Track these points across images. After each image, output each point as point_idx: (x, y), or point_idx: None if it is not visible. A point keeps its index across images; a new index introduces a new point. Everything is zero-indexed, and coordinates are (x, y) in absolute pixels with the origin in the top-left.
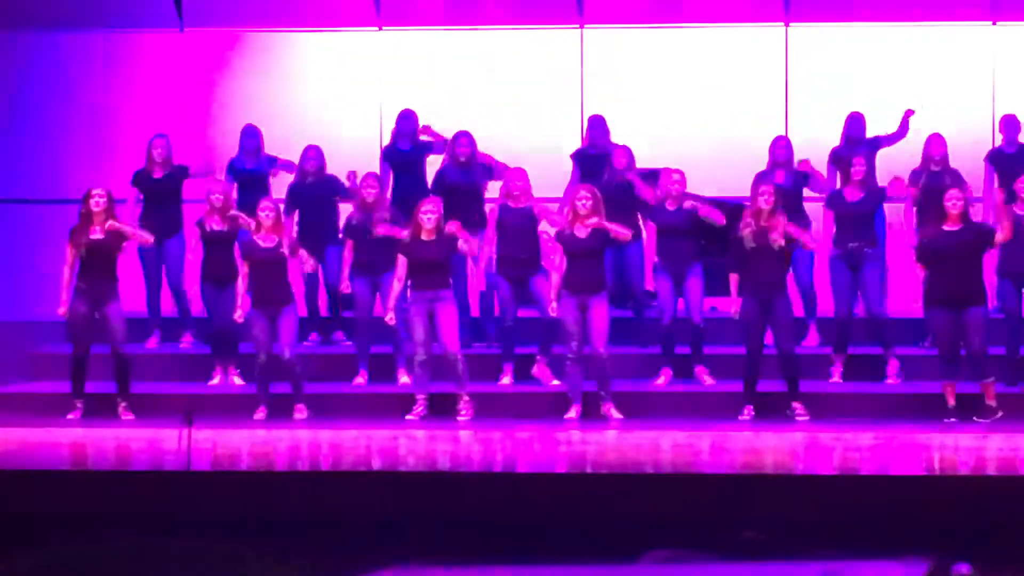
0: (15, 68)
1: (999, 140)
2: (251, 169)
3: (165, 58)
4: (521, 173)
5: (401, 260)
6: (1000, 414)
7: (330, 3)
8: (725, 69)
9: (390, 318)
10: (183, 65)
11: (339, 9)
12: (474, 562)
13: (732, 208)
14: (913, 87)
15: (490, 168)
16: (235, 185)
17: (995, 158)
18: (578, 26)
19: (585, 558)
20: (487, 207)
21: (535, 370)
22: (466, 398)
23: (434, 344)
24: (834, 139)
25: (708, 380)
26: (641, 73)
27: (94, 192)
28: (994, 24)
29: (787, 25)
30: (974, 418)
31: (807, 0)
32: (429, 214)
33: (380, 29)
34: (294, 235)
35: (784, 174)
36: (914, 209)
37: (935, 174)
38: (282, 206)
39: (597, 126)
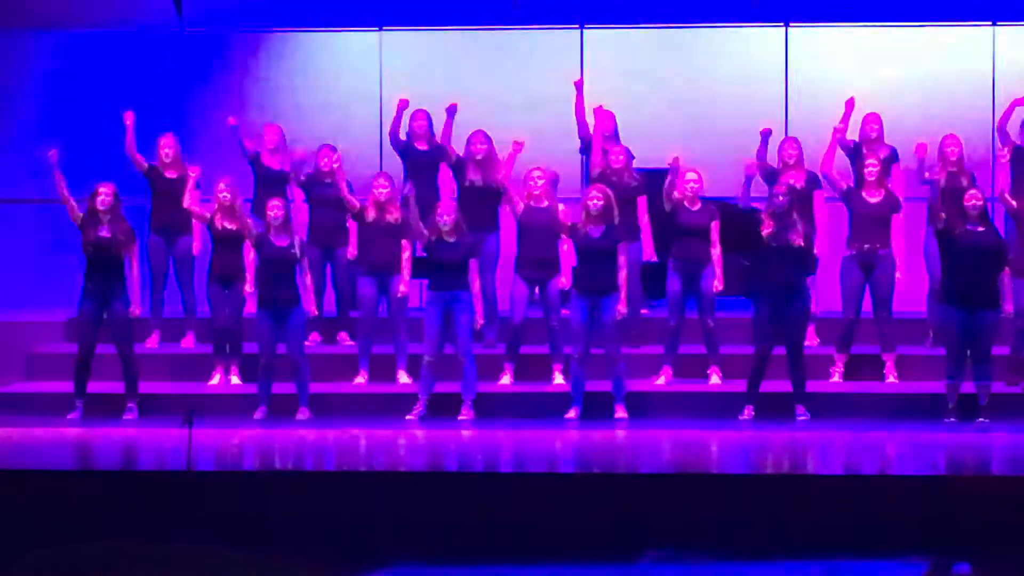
0: (15, 68)
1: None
2: (276, 169)
3: (165, 58)
4: (542, 173)
5: (408, 248)
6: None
7: (330, 3)
8: (725, 69)
9: (402, 291)
10: (183, 65)
11: (339, 9)
12: (474, 562)
13: (734, 208)
14: (913, 87)
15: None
16: (254, 177)
17: (1017, 154)
18: (578, 26)
19: (585, 558)
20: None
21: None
22: (469, 402)
23: (445, 344)
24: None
25: (715, 380)
26: (641, 73)
27: (100, 189)
28: (994, 24)
29: (787, 25)
30: (976, 418)
31: (807, 0)
32: (446, 215)
33: (380, 29)
34: (303, 236)
35: (795, 174)
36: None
37: (951, 175)
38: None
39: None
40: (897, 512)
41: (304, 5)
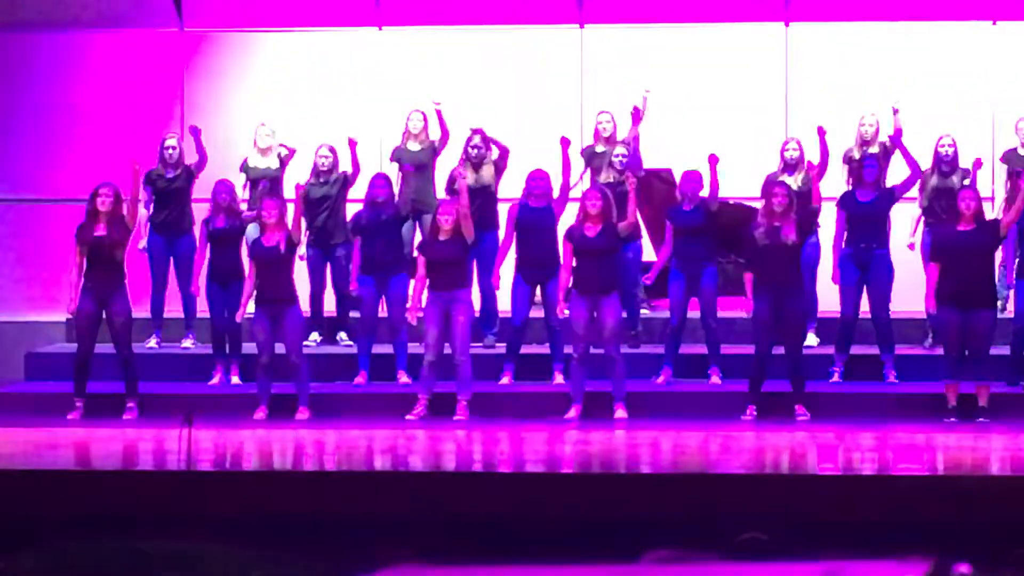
0: (15, 68)
1: (1001, 139)
2: (265, 167)
3: (165, 58)
4: (542, 174)
5: (420, 260)
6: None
7: (330, 3)
8: (725, 69)
9: (412, 317)
10: (183, 65)
11: (339, 9)
12: (474, 562)
13: (734, 207)
14: (913, 87)
15: (500, 151)
16: (247, 183)
17: (1009, 158)
18: (578, 26)
19: (585, 558)
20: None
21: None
22: (464, 402)
23: (445, 344)
24: (834, 139)
25: (715, 380)
26: (641, 72)
27: (101, 190)
28: (994, 24)
29: (787, 24)
30: (976, 418)
31: (807, 0)
32: (447, 215)
33: (380, 29)
34: (300, 235)
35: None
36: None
37: (945, 174)
38: (291, 206)
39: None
40: (897, 512)
41: (303, 5)
